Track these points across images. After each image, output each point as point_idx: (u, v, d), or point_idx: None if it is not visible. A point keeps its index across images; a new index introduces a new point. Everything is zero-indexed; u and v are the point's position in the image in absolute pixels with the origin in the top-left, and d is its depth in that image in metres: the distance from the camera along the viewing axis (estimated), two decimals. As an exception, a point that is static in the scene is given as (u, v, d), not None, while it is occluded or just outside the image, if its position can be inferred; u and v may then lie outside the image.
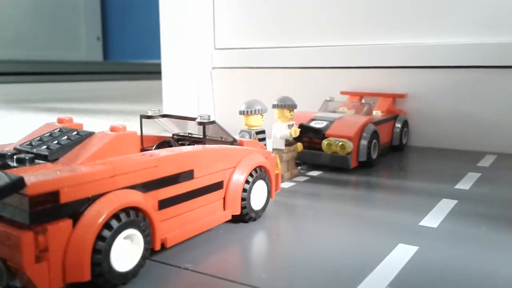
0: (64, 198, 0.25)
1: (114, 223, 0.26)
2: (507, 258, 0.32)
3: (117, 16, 3.01)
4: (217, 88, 0.95)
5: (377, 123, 0.62)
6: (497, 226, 0.38)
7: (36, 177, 0.24)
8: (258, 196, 0.39)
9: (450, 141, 0.73)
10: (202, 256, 0.32)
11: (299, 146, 0.54)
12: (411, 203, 0.44)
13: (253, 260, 0.32)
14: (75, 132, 0.31)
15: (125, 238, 0.27)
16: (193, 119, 0.38)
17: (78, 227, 0.25)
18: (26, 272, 0.23)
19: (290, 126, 0.52)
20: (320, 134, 0.57)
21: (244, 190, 0.37)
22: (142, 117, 0.39)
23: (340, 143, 0.55)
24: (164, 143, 0.40)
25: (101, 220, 0.25)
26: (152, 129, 0.40)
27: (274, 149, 0.52)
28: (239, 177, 0.37)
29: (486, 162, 0.62)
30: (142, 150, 0.38)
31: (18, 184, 0.23)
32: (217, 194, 0.36)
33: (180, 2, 0.94)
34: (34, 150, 0.30)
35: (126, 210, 0.27)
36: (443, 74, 0.73)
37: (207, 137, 0.38)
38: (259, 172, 0.38)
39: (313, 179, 0.53)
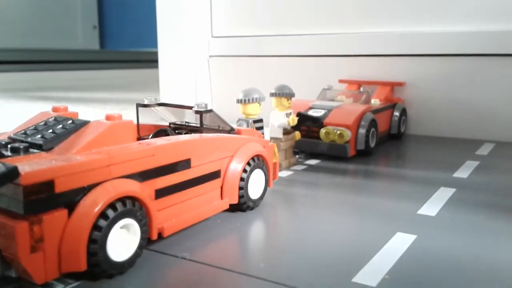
0: (59, 188, 0.24)
1: (110, 213, 0.26)
2: (505, 246, 0.32)
3: (114, 5, 2.98)
4: (214, 77, 0.94)
5: (375, 111, 0.62)
6: (496, 214, 0.38)
7: (31, 166, 0.24)
8: (256, 185, 0.38)
9: (449, 129, 0.73)
10: (199, 245, 0.32)
11: (297, 134, 0.54)
12: (409, 192, 0.44)
13: (251, 249, 0.32)
14: (70, 121, 0.31)
15: (121, 227, 0.27)
16: (190, 107, 0.38)
17: (73, 217, 0.25)
18: (21, 262, 0.23)
19: (288, 115, 0.52)
20: (318, 122, 0.57)
21: (242, 179, 0.37)
22: (139, 105, 0.39)
23: (338, 132, 0.55)
24: (161, 132, 0.39)
25: (97, 209, 0.25)
26: (149, 118, 0.40)
27: (272, 138, 0.52)
28: (236, 166, 0.36)
29: (484, 150, 0.62)
30: (139, 139, 0.37)
31: (12, 174, 0.23)
32: (215, 183, 0.35)
33: (177, -11, 0.93)
34: (29, 139, 0.29)
35: (123, 199, 0.27)
36: (442, 62, 0.73)
37: (204, 126, 0.38)
38: (257, 161, 0.38)
39: (311, 168, 0.53)
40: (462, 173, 0.50)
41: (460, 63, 0.72)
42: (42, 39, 2.64)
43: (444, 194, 0.43)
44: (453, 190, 0.44)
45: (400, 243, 0.32)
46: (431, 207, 0.39)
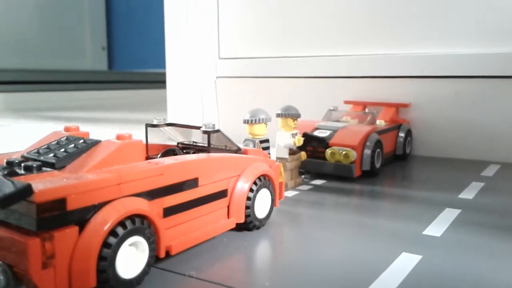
0: (71, 205, 0.25)
1: (120, 230, 0.26)
2: (510, 267, 0.32)
3: (122, 26, 3.03)
4: (221, 97, 0.95)
5: (381, 132, 0.62)
6: (501, 236, 0.38)
7: (44, 184, 0.24)
8: (262, 205, 0.39)
9: (454, 150, 0.73)
10: (206, 263, 0.32)
11: (303, 155, 0.54)
12: (415, 212, 0.44)
13: (257, 268, 0.33)
14: (82, 141, 0.32)
15: (130, 245, 0.27)
16: (198, 127, 0.39)
17: (84, 234, 0.25)
18: (33, 278, 0.24)
19: (293, 135, 0.52)
20: (323, 143, 0.57)
21: (248, 199, 0.37)
22: (148, 125, 0.40)
23: (344, 152, 0.55)
24: (169, 151, 0.40)
25: (107, 227, 0.26)
26: (157, 138, 0.41)
27: (278, 158, 0.52)
28: (243, 186, 0.37)
29: (489, 171, 0.62)
30: (148, 158, 0.38)
31: (25, 191, 0.23)
32: (221, 202, 0.36)
33: (185, 12, 0.95)
34: (41, 158, 0.30)
35: (132, 217, 0.27)
36: (447, 83, 0.73)
37: (212, 146, 0.38)
38: (263, 181, 0.39)
39: (316, 188, 0.53)
40: (468, 194, 0.50)
41: (465, 84, 0.72)
42: (51, 59, 2.68)
43: (449, 215, 0.43)
44: (459, 211, 0.44)
45: (405, 263, 0.32)
46: (436, 228, 0.39)
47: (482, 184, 0.55)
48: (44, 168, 0.29)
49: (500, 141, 0.70)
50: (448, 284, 0.29)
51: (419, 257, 0.33)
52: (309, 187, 0.54)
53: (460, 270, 0.31)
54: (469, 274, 0.30)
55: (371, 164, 0.57)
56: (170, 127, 0.41)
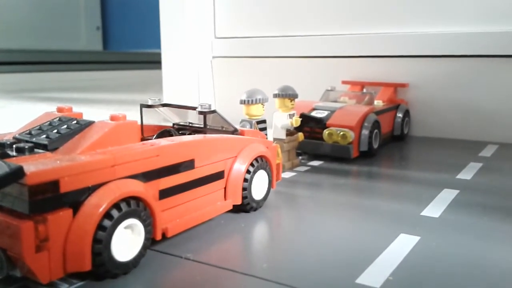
0: (64, 188, 0.24)
1: (115, 213, 0.26)
2: (508, 248, 0.31)
3: (117, 5, 2.99)
4: (217, 78, 0.94)
5: (379, 112, 0.62)
6: (499, 216, 0.38)
7: (36, 166, 0.24)
8: (259, 186, 0.38)
9: (452, 130, 0.73)
10: (203, 246, 0.32)
11: (300, 136, 0.54)
12: (413, 193, 0.44)
13: (254, 250, 0.32)
14: (75, 121, 0.31)
15: (125, 227, 0.27)
16: (194, 108, 0.38)
17: (78, 217, 0.25)
18: (26, 262, 0.23)
19: (291, 116, 0.52)
20: (321, 123, 0.57)
21: (245, 180, 0.37)
22: (143, 106, 0.39)
23: (341, 133, 0.55)
24: (164, 132, 0.39)
25: (102, 209, 0.25)
26: (153, 119, 0.40)
27: (275, 139, 0.52)
28: (240, 167, 0.36)
29: (487, 152, 0.62)
30: (143, 139, 0.37)
31: (17, 174, 0.23)
32: (218, 184, 0.35)
33: (180, -9, 0.93)
34: (34, 139, 0.29)
35: (127, 199, 0.27)
36: (445, 63, 0.73)
37: (208, 127, 0.38)
38: (260, 162, 0.38)
39: (314, 169, 0.53)
40: (466, 174, 0.50)
41: (464, 64, 0.71)
42: (45, 40, 2.64)
43: (447, 195, 0.43)
44: (457, 191, 0.44)
45: (403, 244, 0.32)
46: (434, 209, 0.39)
47: (480, 164, 0.55)
48: (36, 150, 0.28)
49: (498, 121, 0.70)
50: (446, 264, 0.29)
51: (417, 238, 0.33)
52: (307, 168, 0.53)
53: (458, 251, 0.31)
54: (467, 255, 0.30)
55: (369, 145, 0.57)
56: (165, 108, 0.40)
